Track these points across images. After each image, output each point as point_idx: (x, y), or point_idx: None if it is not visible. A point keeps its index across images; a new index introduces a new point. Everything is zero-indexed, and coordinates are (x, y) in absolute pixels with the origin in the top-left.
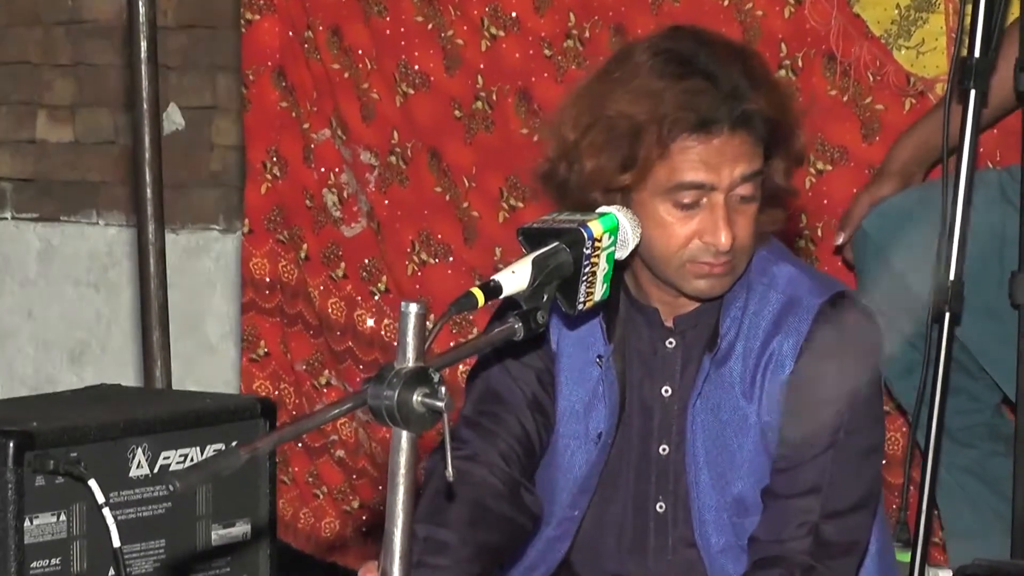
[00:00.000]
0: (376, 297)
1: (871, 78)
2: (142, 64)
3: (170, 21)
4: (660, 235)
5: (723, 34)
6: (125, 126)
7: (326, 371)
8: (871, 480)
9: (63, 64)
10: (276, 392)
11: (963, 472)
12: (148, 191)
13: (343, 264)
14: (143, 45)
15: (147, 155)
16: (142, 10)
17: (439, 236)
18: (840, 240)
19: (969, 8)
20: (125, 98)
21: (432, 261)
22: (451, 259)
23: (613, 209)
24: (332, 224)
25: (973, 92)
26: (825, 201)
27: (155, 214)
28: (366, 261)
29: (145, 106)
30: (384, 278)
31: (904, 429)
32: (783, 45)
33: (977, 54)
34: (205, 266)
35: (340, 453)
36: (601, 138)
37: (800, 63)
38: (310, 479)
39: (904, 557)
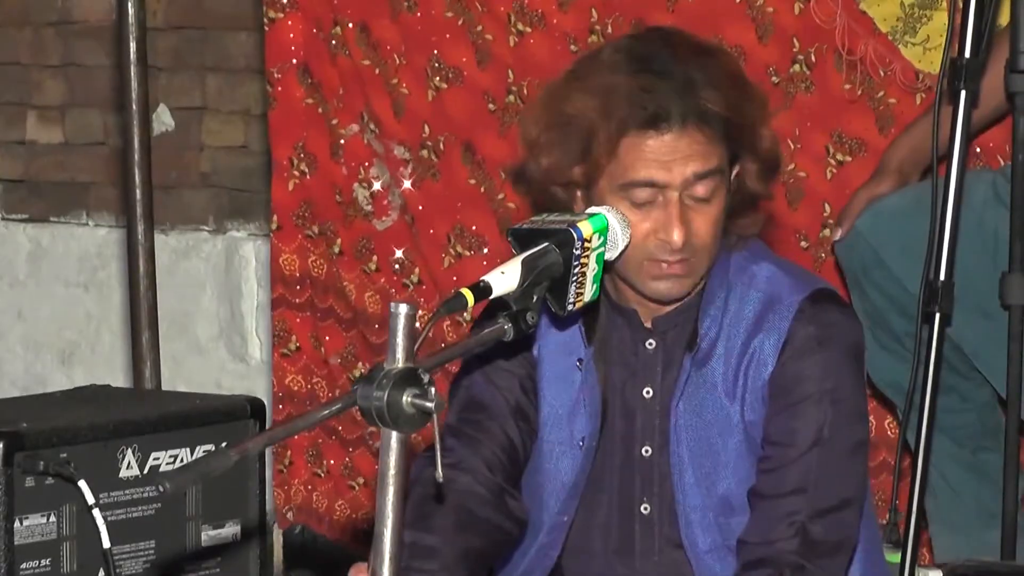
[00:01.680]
0: (410, 289)
1: (881, 73)
2: (132, 65)
3: (159, 22)
4: None
5: (697, 36)
6: (115, 127)
7: (360, 363)
8: (857, 477)
9: (53, 65)
10: (309, 386)
11: (951, 464)
12: (138, 192)
13: (375, 257)
14: (133, 46)
15: (137, 156)
16: (132, 11)
17: (473, 228)
18: (838, 236)
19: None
20: (115, 99)
21: (467, 253)
22: (486, 251)
23: (603, 210)
24: (363, 218)
25: (963, 92)
26: (847, 191)
27: (145, 215)
28: (398, 254)
29: (135, 107)
30: (417, 270)
31: (893, 428)
32: (795, 40)
33: (967, 55)
34: (195, 267)
35: (377, 444)
36: (557, 134)
37: (813, 58)
38: (345, 471)
39: (894, 558)
